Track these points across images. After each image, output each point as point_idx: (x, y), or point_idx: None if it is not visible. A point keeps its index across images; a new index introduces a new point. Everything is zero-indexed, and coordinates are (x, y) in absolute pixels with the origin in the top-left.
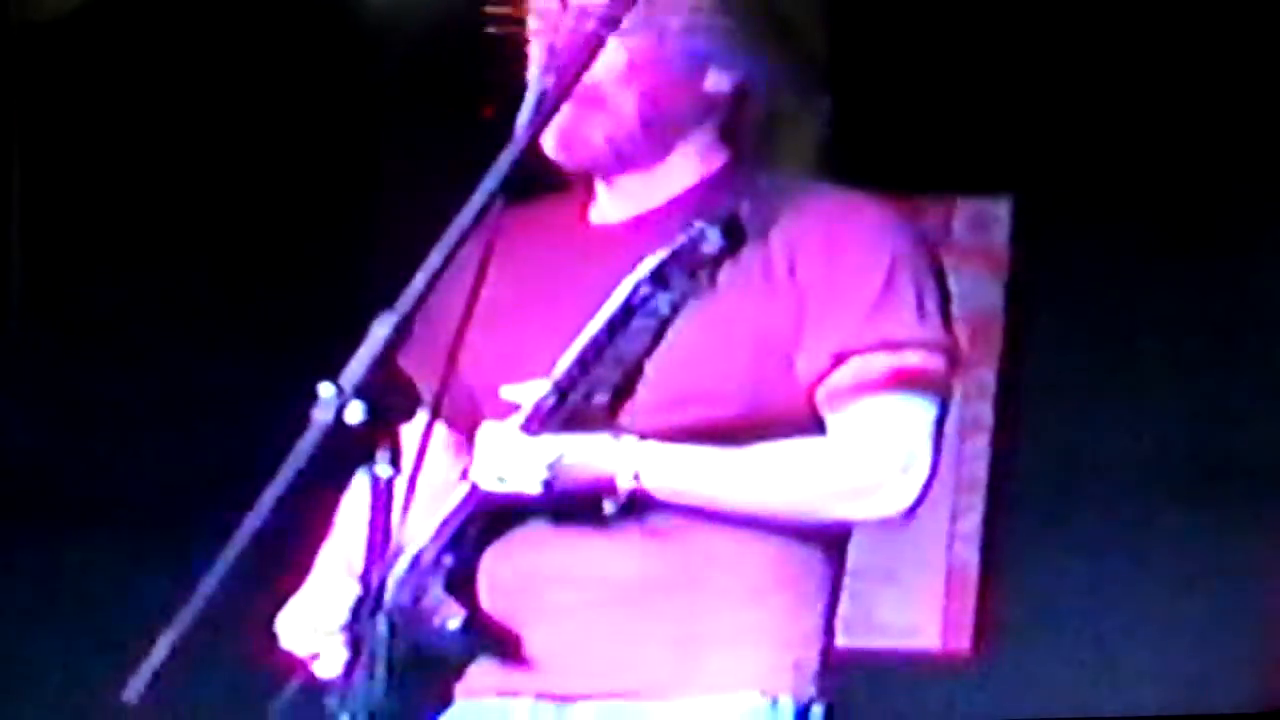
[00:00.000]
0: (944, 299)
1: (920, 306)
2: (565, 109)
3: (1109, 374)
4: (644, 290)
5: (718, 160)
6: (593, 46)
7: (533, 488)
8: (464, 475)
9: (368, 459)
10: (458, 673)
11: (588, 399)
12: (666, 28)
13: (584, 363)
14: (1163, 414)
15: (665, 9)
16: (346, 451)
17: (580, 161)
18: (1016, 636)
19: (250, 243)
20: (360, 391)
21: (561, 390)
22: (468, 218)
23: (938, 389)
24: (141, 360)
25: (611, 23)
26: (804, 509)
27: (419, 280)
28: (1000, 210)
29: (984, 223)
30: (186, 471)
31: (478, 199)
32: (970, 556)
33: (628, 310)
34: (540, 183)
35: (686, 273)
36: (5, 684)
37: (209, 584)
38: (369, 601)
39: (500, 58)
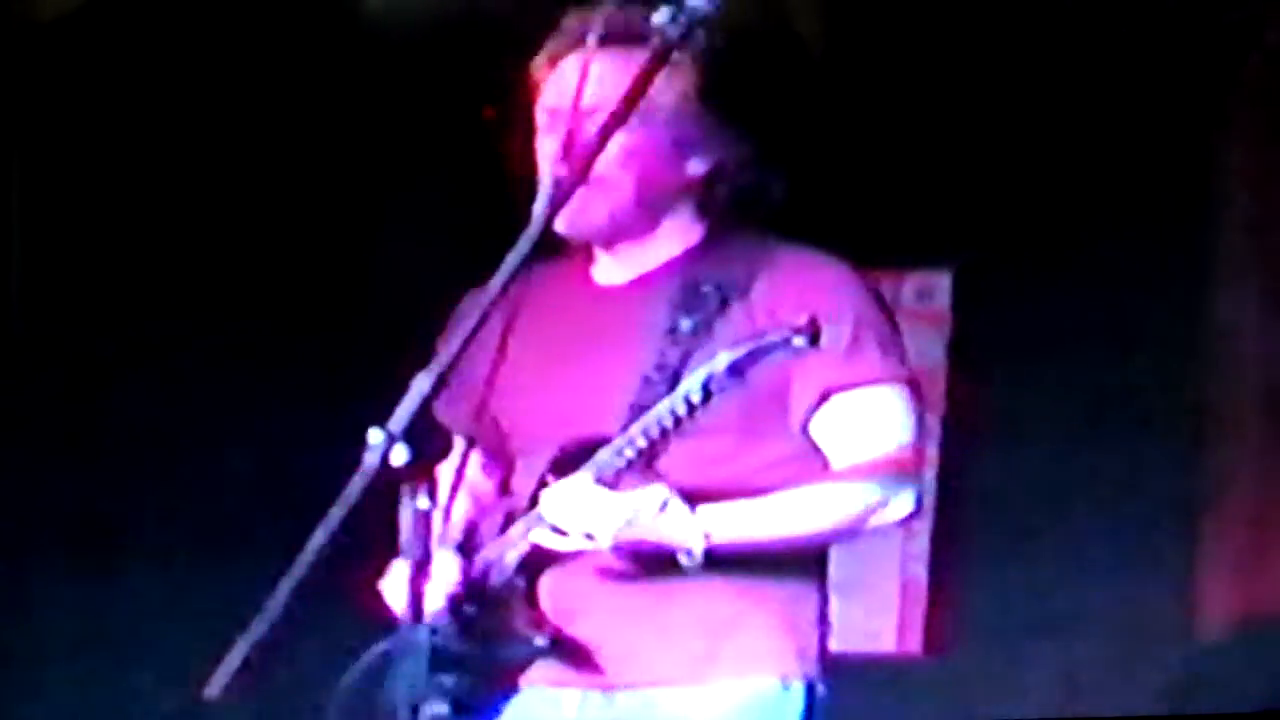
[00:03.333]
0: (898, 337)
1: (883, 348)
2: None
3: (1035, 416)
4: (719, 382)
5: (697, 231)
6: (604, 139)
7: (604, 543)
8: (501, 491)
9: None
10: (523, 668)
11: (644, 458)
12: (657, 121)
13: (648, 431)
14: (1083, 448)
15: (656, 105)
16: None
17: (586, 234)
18: (961, 641)
19: (251, 244)
20: (404, 436)
21: (624, 452)
22: (496, 288)
23: (908, 412)
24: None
25: (619, 119)
26: (830, 533)
27: (454, 341)
28: (943, 281)
29: (929, 291)
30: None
31: (505, 273)
32: (920, 572)
33: (706, 393)
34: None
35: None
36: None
37: (279, 599)
38: (410, 611)
39: (500, 58)
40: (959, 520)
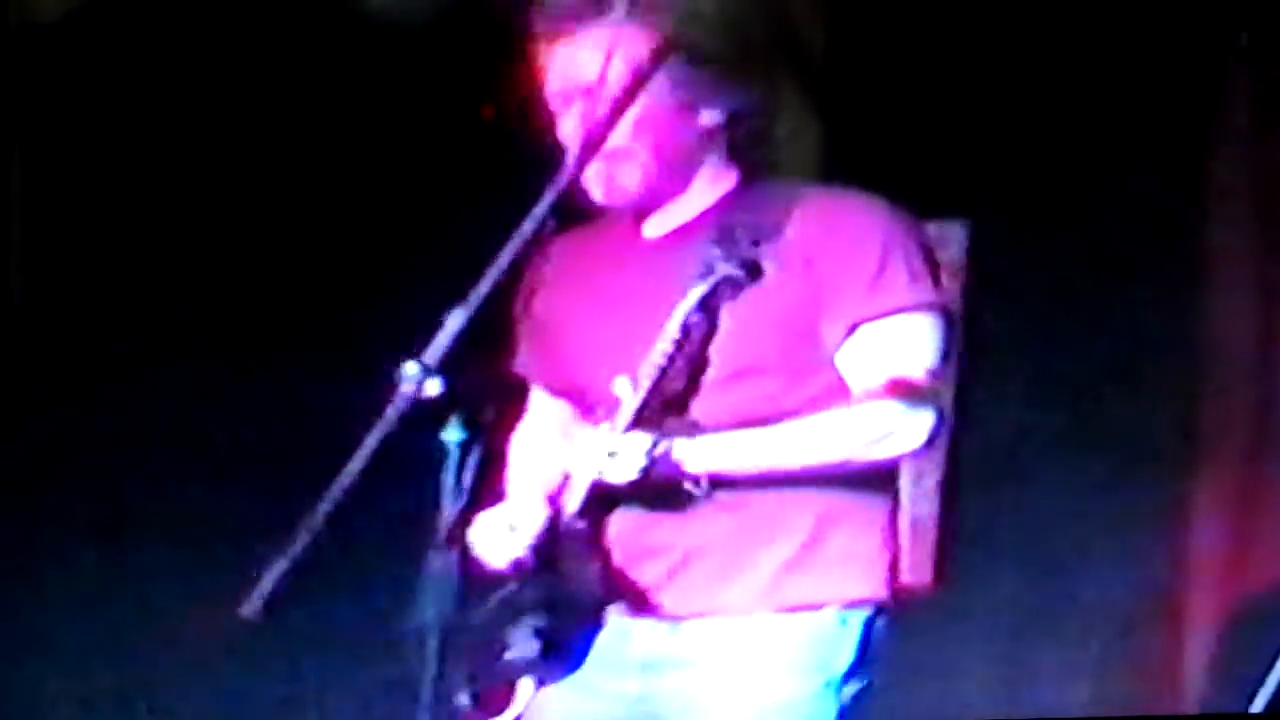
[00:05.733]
0: (930, 264)
1: (911, 275)
2: (602, 167)
3: (1048, 367)
4: (694, 318)
5: (730, 178)
6: (614, 118)
7: (630, 478)
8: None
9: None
10: (601, 605)
11: (668, 397)
12: (659, 89)
13: (662, 371)
14: (1095, 401)
15: (650, 75)
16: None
17: (625, 202)
18: (966, 575)
19: (254, 243)
20: (439, 369)
21: (647, 394)
22: (526, 235)
23: (935, 339)
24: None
25: (633, 93)
26: (841, 460)
27: (486, 281)
28: (958, 231)
29: (943, 241)
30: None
31: (530, 224)
32: (928, 509)
33: (685, 331)
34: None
35: (723, 297)
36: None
37: (315, 522)
38: (445, 540)
39: (499, 58)
40: (967, 466)
